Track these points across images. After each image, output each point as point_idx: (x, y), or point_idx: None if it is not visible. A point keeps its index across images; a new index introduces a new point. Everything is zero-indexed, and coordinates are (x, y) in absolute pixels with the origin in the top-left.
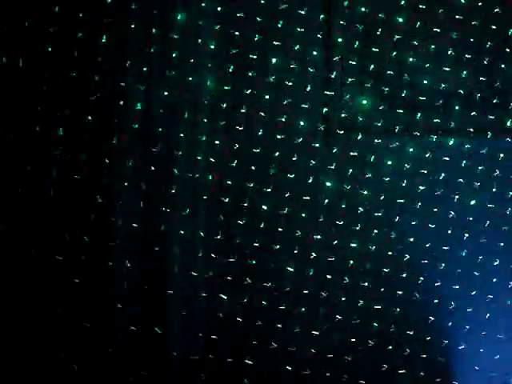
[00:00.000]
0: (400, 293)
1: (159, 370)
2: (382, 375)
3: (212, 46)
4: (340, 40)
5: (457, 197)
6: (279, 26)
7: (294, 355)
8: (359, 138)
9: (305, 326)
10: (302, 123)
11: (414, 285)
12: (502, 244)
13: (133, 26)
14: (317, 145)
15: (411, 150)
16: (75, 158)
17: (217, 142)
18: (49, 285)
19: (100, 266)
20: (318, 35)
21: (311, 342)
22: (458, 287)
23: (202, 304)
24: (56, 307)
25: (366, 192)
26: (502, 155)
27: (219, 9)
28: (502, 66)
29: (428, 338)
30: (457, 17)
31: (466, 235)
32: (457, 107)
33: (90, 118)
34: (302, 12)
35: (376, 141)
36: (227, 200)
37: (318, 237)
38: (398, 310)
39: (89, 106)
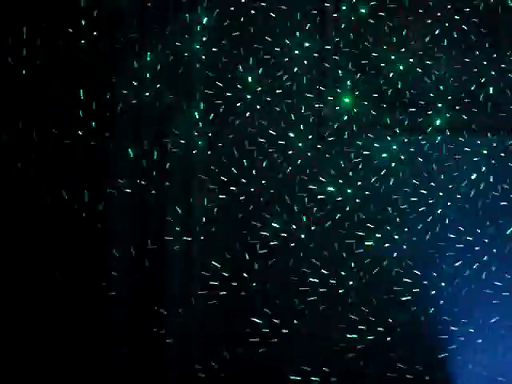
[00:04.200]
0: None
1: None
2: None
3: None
4: (334, 37)
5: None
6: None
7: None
8: (353, 136)
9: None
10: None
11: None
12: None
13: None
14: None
15: (410, 149)
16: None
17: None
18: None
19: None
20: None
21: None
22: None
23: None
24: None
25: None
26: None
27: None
28: (491, 64)
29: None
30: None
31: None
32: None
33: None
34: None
35: (370, 139)
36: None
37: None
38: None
39: None
